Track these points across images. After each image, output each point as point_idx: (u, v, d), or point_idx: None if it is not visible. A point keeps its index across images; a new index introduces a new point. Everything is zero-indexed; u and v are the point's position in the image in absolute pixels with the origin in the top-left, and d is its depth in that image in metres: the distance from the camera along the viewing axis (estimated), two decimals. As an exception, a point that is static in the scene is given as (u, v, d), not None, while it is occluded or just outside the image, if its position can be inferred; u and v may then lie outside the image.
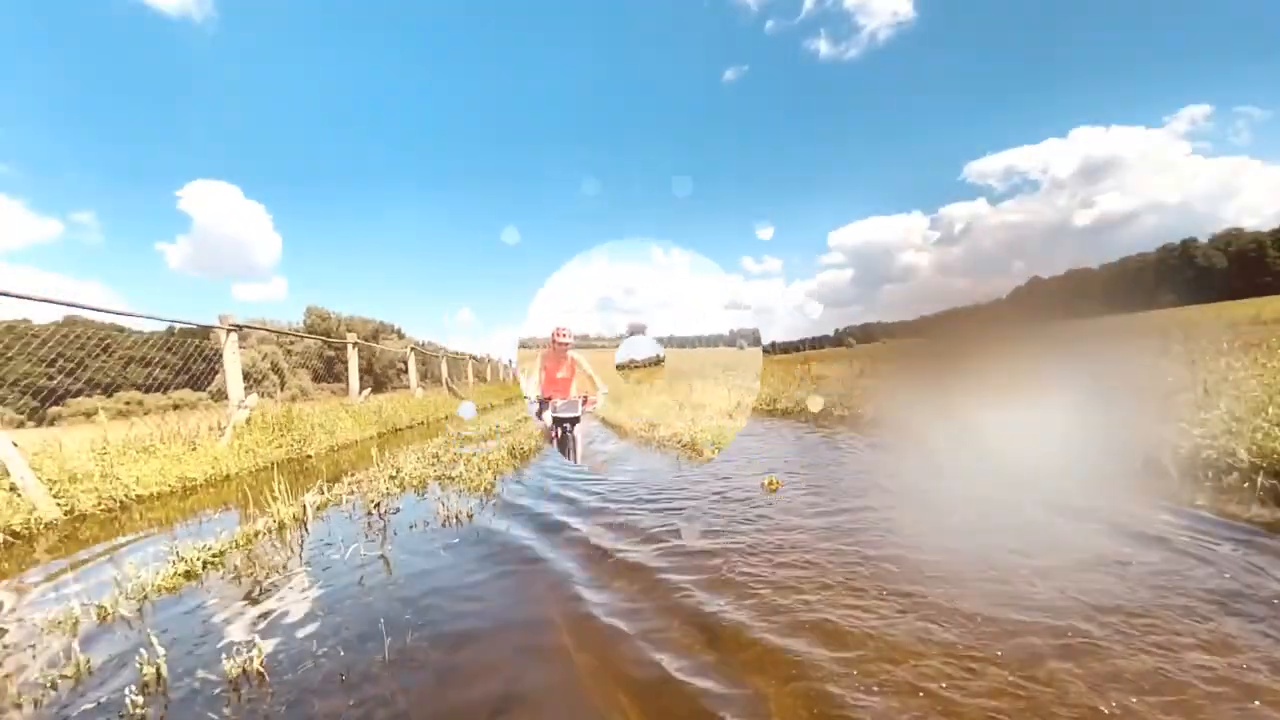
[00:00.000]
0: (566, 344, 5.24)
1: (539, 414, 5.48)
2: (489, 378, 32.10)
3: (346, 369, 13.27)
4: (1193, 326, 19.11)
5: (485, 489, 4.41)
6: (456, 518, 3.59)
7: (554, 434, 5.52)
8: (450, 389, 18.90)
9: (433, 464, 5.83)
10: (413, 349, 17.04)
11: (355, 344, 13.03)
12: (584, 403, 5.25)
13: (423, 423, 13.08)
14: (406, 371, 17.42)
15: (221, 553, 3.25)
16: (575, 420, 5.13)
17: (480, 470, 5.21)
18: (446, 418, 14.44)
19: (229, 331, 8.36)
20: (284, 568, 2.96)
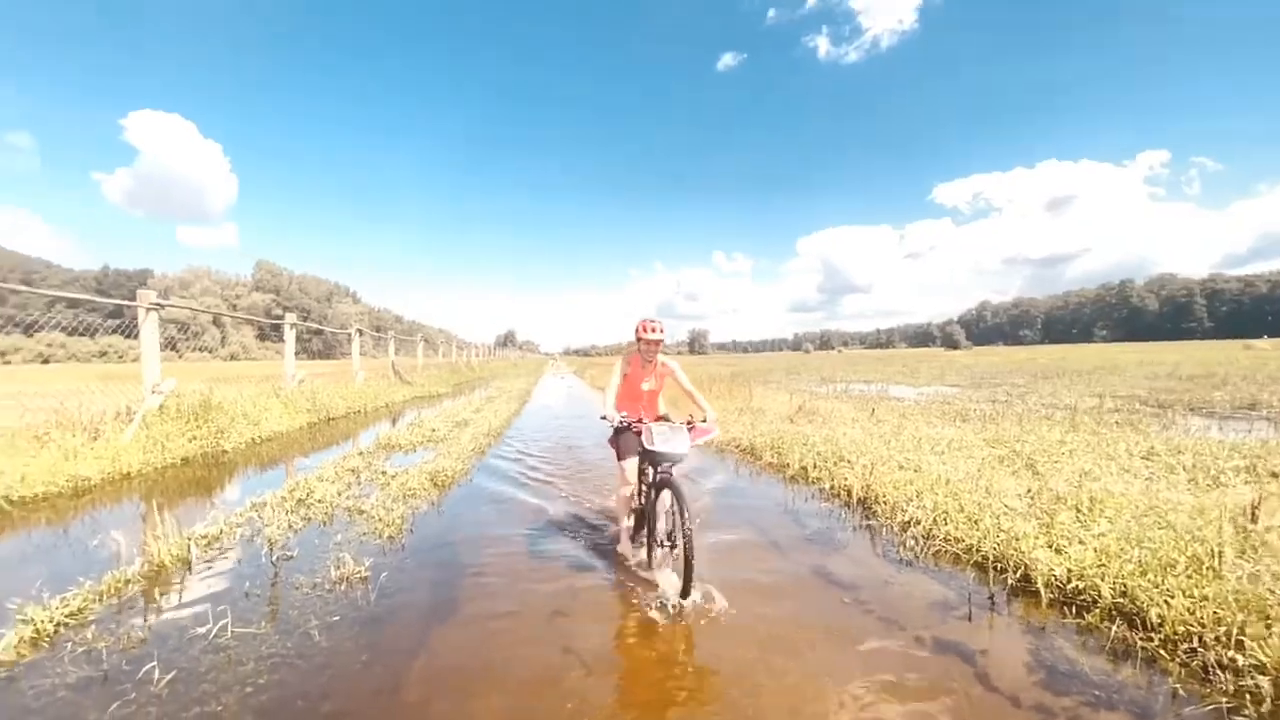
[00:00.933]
0: (657, 341, 3.78)
1: (621, 446, 3.83)
2: (448, 357, 31.29)
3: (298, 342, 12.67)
4: (1113, 371, 20.21)
5: (392, 535, 4.20)
6: (349, 580, 3.40)
7: (639, 490, 3.82)
8: (396, 373, 18.29)
9: (349, 485, 5.57)
10: (358, 330, 16.37)
11: (294, 325, 12.40)
12: (691, 430, 3.47)
13: (360, 411, 12.61)
14: (361, 337, 16.75)
15: (81, 610, 2.98)
16: (678, 460, 3.36)
17: (396, 499, 5.00)
18: (387, 406, 13.98)
19: (148, 310, 7.78)
20: (137, 642, 2.72)
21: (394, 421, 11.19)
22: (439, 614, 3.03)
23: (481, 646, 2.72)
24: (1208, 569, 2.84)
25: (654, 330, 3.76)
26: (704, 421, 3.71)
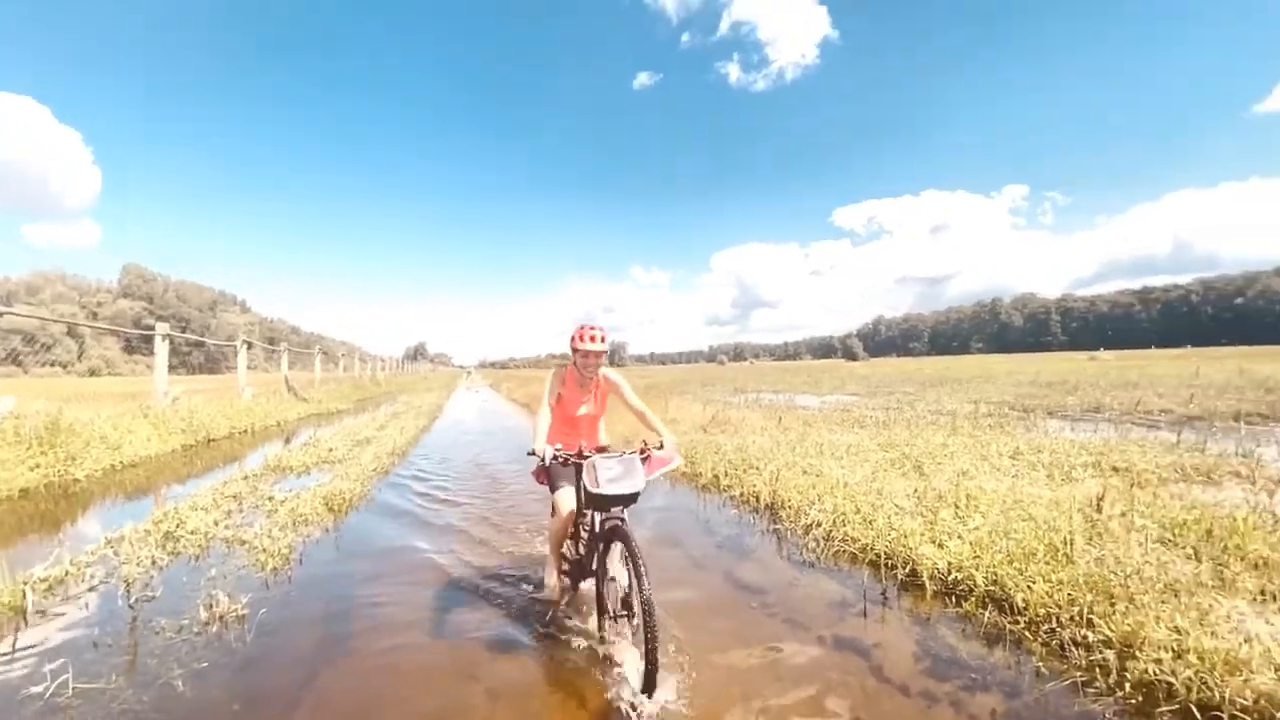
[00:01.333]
0: (599, 353, 3.09)
1: (552, 475, 3.14)
2: (351, 371, 29.22)
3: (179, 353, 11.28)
4: (988, 379, 22.45)
5: (275, 567, 3.83)
6: (222, 620, 3.05)
7: (578, 538, 3.16)
8: (290, 389, 16.92)
9: (229, 513, 5.04)
10: (246, 342, 15.01)
11: (168, 336, 11.16)
12: (646, 461, 2.84)
13: (247, 431, 11.52)
14: (250, 350, 15.30)
15: None
16: (631, 501, 2.69)
17: (284, 527, 4.58)
18: (279, 425, 12.88)
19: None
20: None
21: (286, 441, 10.31)
22: (327, 653, 2.79)
23: (375, 688, 2.53)
24: (1062, 555, 3.18)
25: (594, 339, 3.04)
26: (660, 449, 2.95)
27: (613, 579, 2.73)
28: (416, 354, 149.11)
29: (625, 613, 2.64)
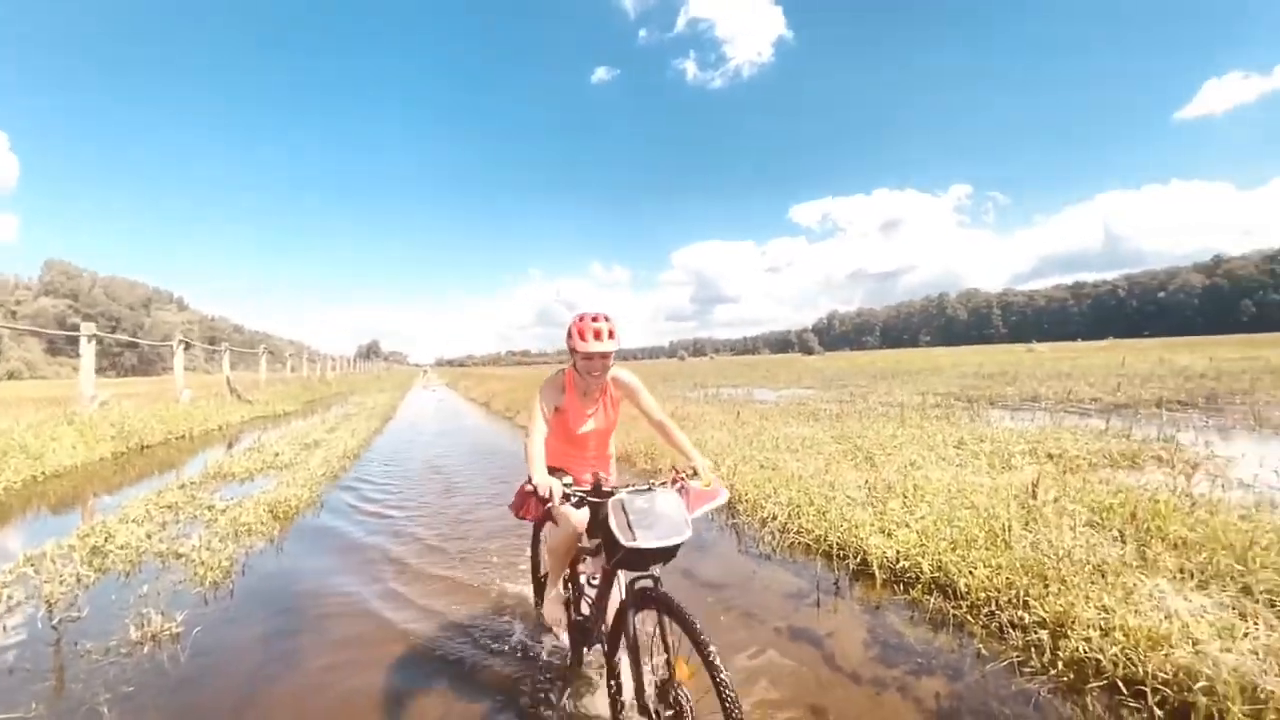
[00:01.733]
0: (608, 355, 2.33)
1: (538, 505, 2.25)
2: (299, 371, 27.98)
3: (117, 352, 10.54)
4: (935, 371, 23.36)
5: (215, 581, 3.64)
6: (155, 640, 2.89)
7: (588, 591, 2.58)
8: (232, 390, 16.15)
9: (164, 524, 4.77)
10: (183, 341, 14.22)
11: (95, 337, 10.47)
12: (684, 493, 2.16)
13: (185, 437, 10.93)
14: (189, 350, 14.47)
15: None
16: (670, 556, 1.99)
17: (225, 538, 4.36)
18: (220, 429, 12.28)
19: None
20: None
21: (229, 446, 9.84)
22: (269, 671, 2.67)
23: (320, 710, 2.44)
24: (1001, 541, 3.34)
25: (600, 334, 2.26)
26: (693, 476, 2.27)
27: (636, 657, 1.98)
28: (370, 353, 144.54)
29: (668, 711, 1.90)
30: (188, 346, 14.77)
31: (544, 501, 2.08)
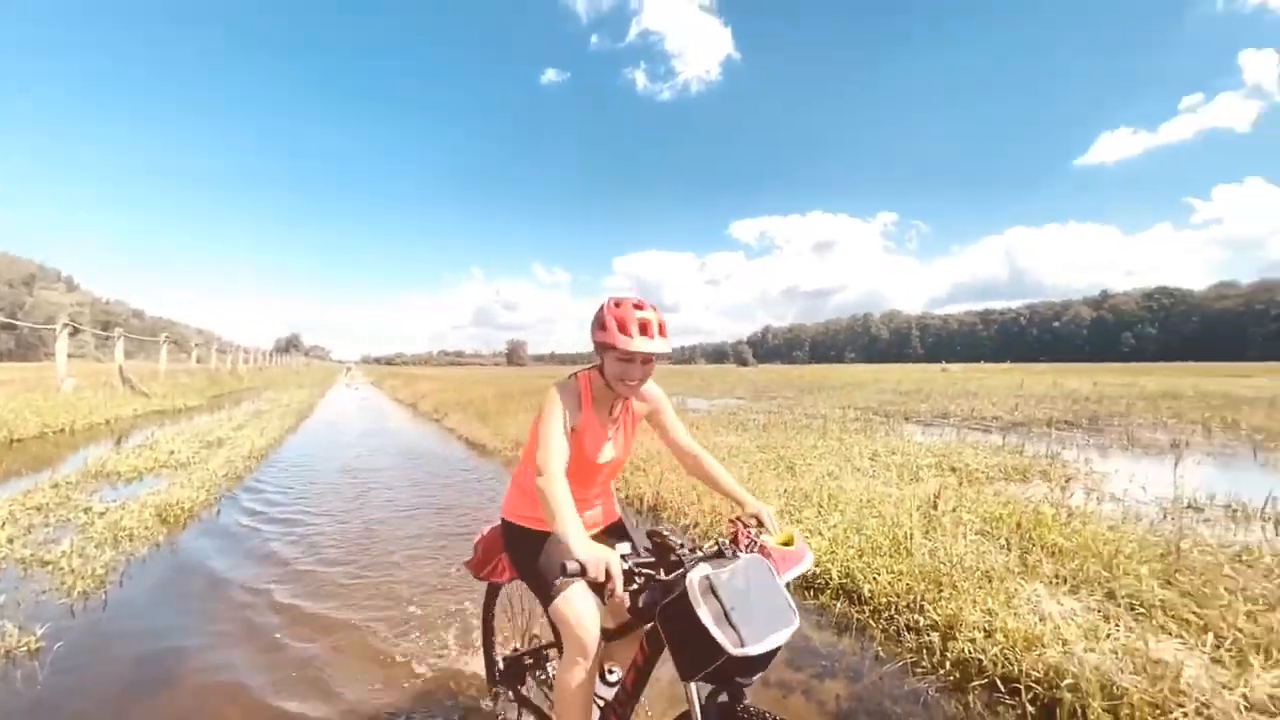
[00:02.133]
0: (650, 360, 1.66)
1: (544, 570, 1.70)
2: (207, 362, 25.78)
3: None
4: (857, 386, 24.57)
5: (85, 591, 3.29)
6: (9, 656, 2.57)
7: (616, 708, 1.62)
8: (126, 381, 14.75)
9: (29, 528, 4.27)
10: (67, 325, 12.87)
11: (-44, 314, 9.27)
12: (768, 558, 1.52)
13: (65, 430, 9.88)
14: (77, 335, 13.04)
15: None
16: (766, 663, 1.34)
17: (101, 544, 3.96)
18: (108, 424, 11.17)
19: None
20: None
21: (117, 442, 8.96)
22: (138, 693, 2.43)
23: None
24: (903, 549, 3.54)
25: (651, 328, 1.62)
26: (758, 529, 1.67)
27: None
28: (289, 346, 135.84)
29: None
30: (75, 331, 13.38)
31: (594, 582, 1.32)
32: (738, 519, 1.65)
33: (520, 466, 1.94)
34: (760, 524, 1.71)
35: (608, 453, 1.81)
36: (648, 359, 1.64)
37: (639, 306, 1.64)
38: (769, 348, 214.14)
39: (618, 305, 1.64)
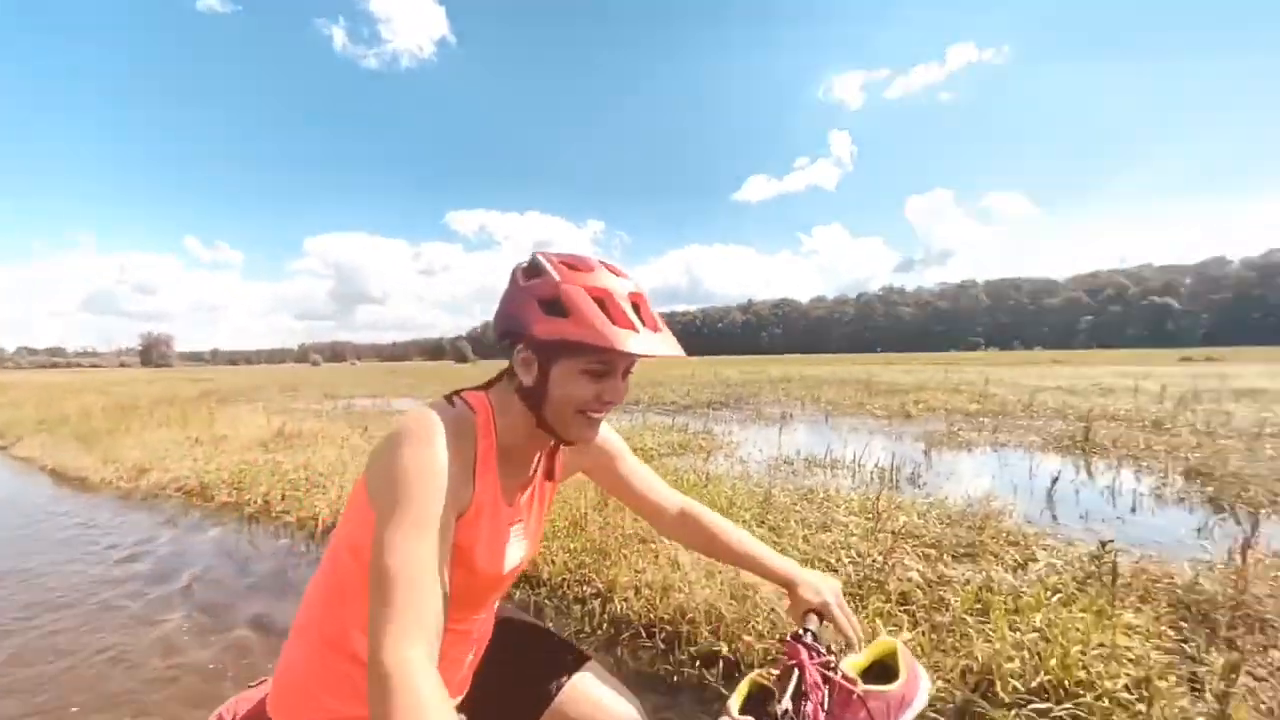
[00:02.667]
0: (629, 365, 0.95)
1: None
2: None
3: None
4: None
5: None
6: None
7: None
8: None
9: None
10: None
11: None
12: (846, 695, 0.88)
13: None
14: None
15: None
16: None
17: None
18: None
19: None
20: None
21: None
22: None
23: None
24: (578, 527, 3.90)
25: (645, 309, 0.92)
26: (833, 646, 1.01)
27: None
28: None
29: None
30: None
31: None
32: (793, 638, 0.95)
33: (315, 609, 0.97)
34: (847, 646, 1.03)
35: (515, 554, 1.01)
36: (628, 368, 0.96)
37: (615, 272, 0.92)
38: (490, 343, 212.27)
39: (580, 269, 0.89)
